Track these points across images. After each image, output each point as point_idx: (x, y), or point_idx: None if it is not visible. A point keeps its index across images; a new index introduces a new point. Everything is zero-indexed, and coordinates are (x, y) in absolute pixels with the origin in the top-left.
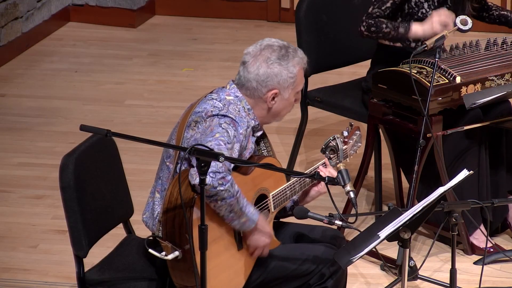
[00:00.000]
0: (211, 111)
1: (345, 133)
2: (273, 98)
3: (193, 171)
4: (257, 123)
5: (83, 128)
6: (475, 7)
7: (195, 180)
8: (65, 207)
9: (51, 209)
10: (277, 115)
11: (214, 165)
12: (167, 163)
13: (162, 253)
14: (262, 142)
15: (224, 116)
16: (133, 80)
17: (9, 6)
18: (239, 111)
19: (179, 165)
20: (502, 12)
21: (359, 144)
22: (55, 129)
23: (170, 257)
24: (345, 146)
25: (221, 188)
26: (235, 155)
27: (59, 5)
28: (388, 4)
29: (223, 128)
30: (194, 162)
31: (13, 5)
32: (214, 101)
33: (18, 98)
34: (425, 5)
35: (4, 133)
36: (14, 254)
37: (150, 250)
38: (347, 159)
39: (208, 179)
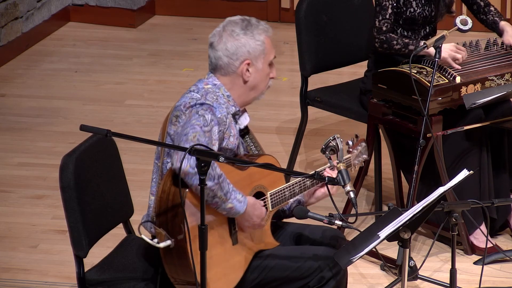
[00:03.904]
0: (189, 102)
1: (350, 143)
2: (247, 69)
3: (175, 155)
4: (237, 109)
5: (83, 128)
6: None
7: (177, 163)
8: (65, 207)
9: (51, 209)
10: (255, 88)
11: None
12: (158, 164)
13: (154, 240)
14: (248, 137)
15: (202, 104)
16: (133, 80)
17: (9, 6)
18: (217, 98)
19: (165, 162)
20: (495, 18)
21: (364, 156)
22: (55, 129)
23: (162, 245)
24: (349, 155)
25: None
26: (214, 137)
27: (59, 5)
28: (390, 10)
29: (199, 115)
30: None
31: (13, 5)
32: (192, 93)
33: (18, 98)
34: (413, 3)
35: (4, 133)
36: (14, 254)
37: (143, 236)
38: (351, 168)
39: (184, 162)
